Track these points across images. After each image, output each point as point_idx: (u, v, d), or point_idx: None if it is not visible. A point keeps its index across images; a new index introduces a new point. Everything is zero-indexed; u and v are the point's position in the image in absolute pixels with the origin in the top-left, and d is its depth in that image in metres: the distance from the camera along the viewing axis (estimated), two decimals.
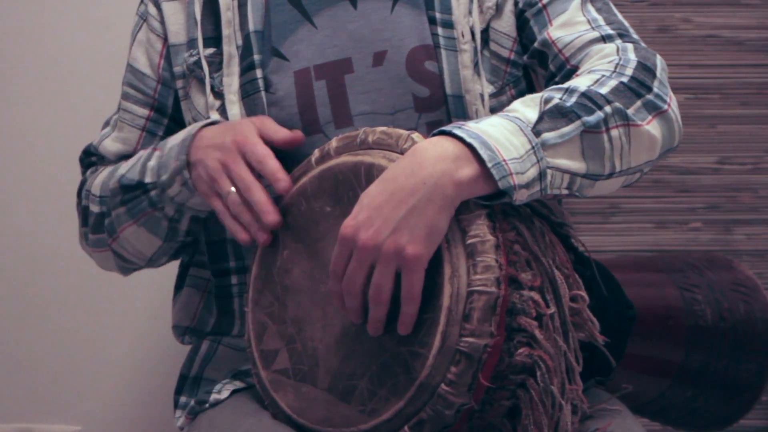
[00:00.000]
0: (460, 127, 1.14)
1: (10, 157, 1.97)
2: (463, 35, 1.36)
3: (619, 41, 1.33)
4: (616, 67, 1.26)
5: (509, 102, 1.32)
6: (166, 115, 1.44)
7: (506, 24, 1.38)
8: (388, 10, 1.38)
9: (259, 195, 1.25)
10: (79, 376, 1.98)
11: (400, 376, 1.10)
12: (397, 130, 1.17)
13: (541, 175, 1.15)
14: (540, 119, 1.17)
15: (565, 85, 1.23)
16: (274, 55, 1.38)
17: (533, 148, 1.15)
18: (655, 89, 1.26)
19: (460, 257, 1.08)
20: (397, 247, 1.09)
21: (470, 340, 1.08)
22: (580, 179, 1.19)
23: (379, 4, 1.38)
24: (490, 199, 1.13)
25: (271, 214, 1.23)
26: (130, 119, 1.45)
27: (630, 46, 1.31)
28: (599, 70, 1.27)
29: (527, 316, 1.10)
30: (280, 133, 1.30)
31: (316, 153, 1.21)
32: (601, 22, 1.36)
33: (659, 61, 1.30)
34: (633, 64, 1.27)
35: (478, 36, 1.36)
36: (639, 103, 1.24)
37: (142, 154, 1.39)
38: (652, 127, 1.24)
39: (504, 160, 1.12)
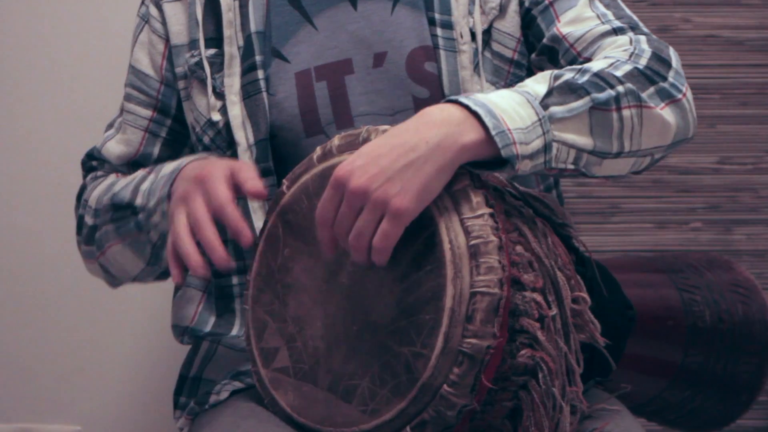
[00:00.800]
0: (467, 97, 1.14)
1: (10, 157, 1.97)
2: (462, 36, 1.36)
3: (631, 33, 1.33)
4: (630, 56, 1.27)
5: None
6: (170, 116, 1.44)
7: (510, 24, 1.38)
8: (388, 12, 1.38)
9: (208, 234, 1.20)
10: (79, 376, 1.98)
11: (402, 377, 1.10)
12: None
13: (547, 148, 1.15)
14: (549, 93, 1.17)
15: (578, 66, 1.23)
16: (275, 56, 1.38)
17: (540, 120, 1.14)
18: (671, 79, 1.26)
19: (463, 258, 1.08)
20: (386, 196, 1.08)
21: (473, 341, 1.07)
22: (587, 155, 1.19)
23: (380, 5, 1.38)
24: (492, 168, 1.13)
25: (219, 253, 1.19)
26: (133, 120, 1.45)
27: (643, 38, 1.31)
28: (614, 56, 1.27)
29: (530, 318, 1.10)
30: (250, 183, 1.22)
31: (318, 151, 1.21)
32: (611, 16, 1.36)
33: (673, 53, 1.30)
34: (648, 54, 1.27)
35: (479, 37, 1.37)
36: (652, 89, 1.24)
37: (139, 174, 1.39)
38: (666, 113, 1.24)
39: (508, 129, 1.12)
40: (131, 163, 1.46)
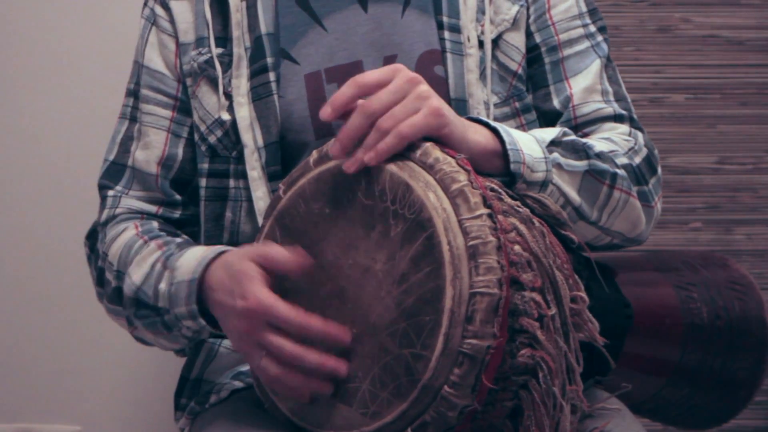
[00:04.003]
0: (482, 119, 1.23)
1: (11, 156, 1.97)
2: (469, 40, 1.37)
3: (629, 124, 1.39)
4: (629, 150, 1.34)
5: (513, 113, 1.36)
6: (190, 114, 1.41)
7: (519, 38, 1.40)
8: (398, 15, 1.39)
9: (311, 357, 1.13)
10: (79, 376, 1.99)
11: (402, 378, 1.10)
12: None
13: (544, 184, 1.21)
14: (556, 142, 1.25)
15: (585, 139, 1.31)
16: (284, 58, 1.38)
17: (545, 158, 1.21)
18: (651, 186, 1.35)
19: (462, 259, 1.08)
20: (430, 94, 1.15)
21: (473, 341, 1.07)
22: (570, 209, 1.25)
23: (390, 8, 1.39)
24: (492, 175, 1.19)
25: (339, 367, 1.13)
26: (154, 121, 1.42)
27: (640, 134, 1.38)
28: (615, 142, 1.35)
29: (529, 317, 1.10)
30: (290, 263, 1.16)
31: (314, 155, 1.21)
32: (612, 96, 1.41)
33: (657, 154, 1.39)
34: (643, 154, 1.35)
35: (487, 45, 1.37)
36: (636, 188, 1.32)
37: (154, 263, 1.32)
38: (643, 210, 1.34)
39: (521, 150, 1.19)
40: (162, 165, 1.42)
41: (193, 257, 1.26)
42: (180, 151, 1.42)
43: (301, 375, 1.14)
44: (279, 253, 1.16)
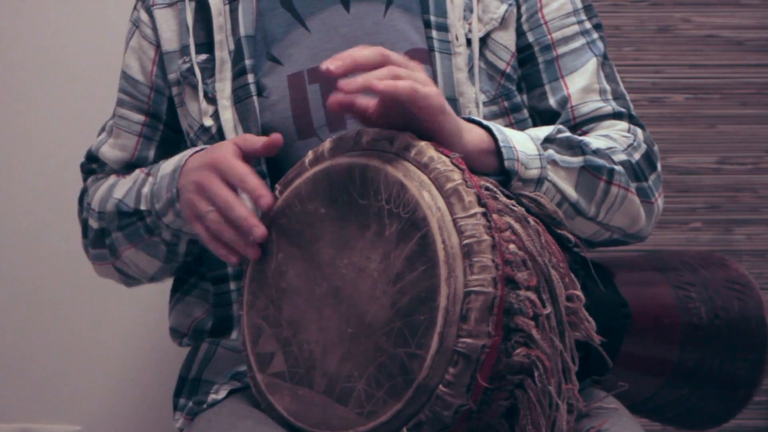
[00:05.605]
0: (474, 118, 1.22)
1: (10, 156, 1.97)
2: (457, 38, 1.37)
3: (627, 120, 1.39)
4: (628, 146, 1.34)
5: (502, 112, 1.36)
6: (161, 121, 1.46)
7: (508, 37, 1.39)
8: (381, 14, 1.39)
9: (240, 210, 1.21)
10: (79, 376, 1.99)
11: (397, 378, 1.10)
12: (391, 131, 1.17)
13: (539, 181, 1.21)
14: (550, 139, 1.25)
15: (581, 137, 1.31)
16: (268, 59, 1.38)
17: (540, 155, 1.22)
18: (650, 182, 1.34)
19: (457, 258, 1.08)
20: (418, 68, 1.14)
21: (468, 340, 1.07)
22: (567, 206, 1.25)
23: (372, 7, 1.39)
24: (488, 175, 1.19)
25: (257, 228, 1.19)
26: (127, 125, 1.47)
27: (639, 131, 1.38)
28: (613, 139, 1.34)
29: (524, 316, 1.10)
30: (260, 141, 1.24)
31: (310, 155, 1.21)
32: (610, 94, 1.41)
33: (657, 150, 1.38)
34: (642, 150, 1.35)
35: (475, 43, 1.37)
36: (635, 184, 1.32)
37: (137, 177, 1.40)
38: (642, 206, 1.33)
39: (514, 147, 1.19)
40: (129, 166, 1.47)
41: (177, 156, 1.34)
42: (151, 153, 1.46)
43: (234, 230, 1.21)
44: (253, 136, 1.26)
